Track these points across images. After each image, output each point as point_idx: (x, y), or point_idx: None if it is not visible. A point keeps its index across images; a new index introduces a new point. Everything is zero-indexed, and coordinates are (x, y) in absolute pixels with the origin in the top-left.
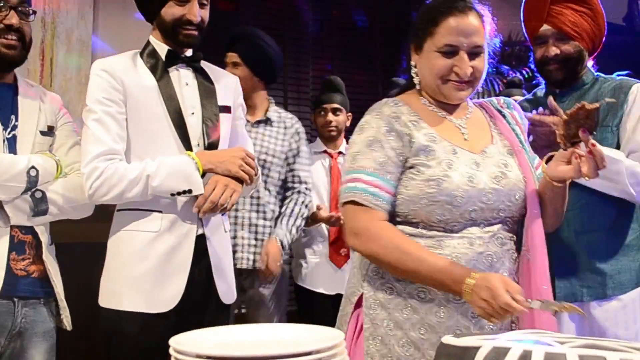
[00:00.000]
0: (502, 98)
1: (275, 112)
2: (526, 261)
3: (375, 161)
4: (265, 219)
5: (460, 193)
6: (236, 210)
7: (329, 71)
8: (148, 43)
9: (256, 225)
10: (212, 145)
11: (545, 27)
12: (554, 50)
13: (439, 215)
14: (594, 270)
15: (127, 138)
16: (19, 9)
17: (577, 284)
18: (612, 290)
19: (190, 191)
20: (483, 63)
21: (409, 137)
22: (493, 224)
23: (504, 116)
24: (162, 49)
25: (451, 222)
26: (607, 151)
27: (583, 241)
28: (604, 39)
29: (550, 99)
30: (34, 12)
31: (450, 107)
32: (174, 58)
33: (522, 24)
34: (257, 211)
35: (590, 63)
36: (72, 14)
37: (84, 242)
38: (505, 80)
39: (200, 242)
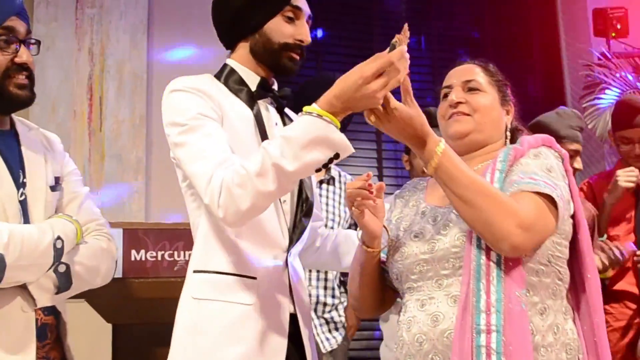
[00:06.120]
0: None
1: (335, 169)
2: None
3: None
4: (334, 296)
5: None
6: None
7: (430, 104)
8: (230, 69)
9: (324, 304)
10: (309, 207)
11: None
12: None
13: None
14: None
15: None
16: (27, 41)
17: None
18: None
19: (337, 156)
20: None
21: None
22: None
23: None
24: (251, 77)
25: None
26: None
27: None
28: None
29: None
30: (38, 42)
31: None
32: (265, 90)
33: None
34: (325, 287)
35: None
36: (123, 42)
37: (142, 322)
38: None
39: (292, 323)
